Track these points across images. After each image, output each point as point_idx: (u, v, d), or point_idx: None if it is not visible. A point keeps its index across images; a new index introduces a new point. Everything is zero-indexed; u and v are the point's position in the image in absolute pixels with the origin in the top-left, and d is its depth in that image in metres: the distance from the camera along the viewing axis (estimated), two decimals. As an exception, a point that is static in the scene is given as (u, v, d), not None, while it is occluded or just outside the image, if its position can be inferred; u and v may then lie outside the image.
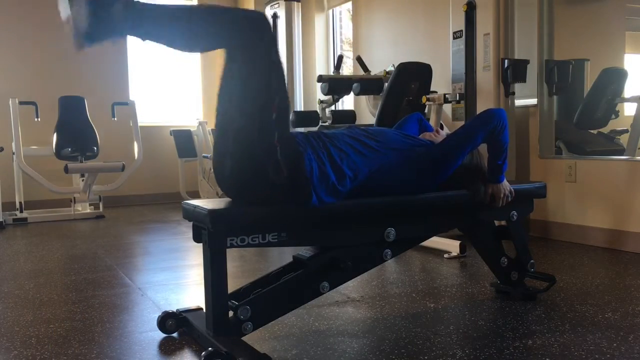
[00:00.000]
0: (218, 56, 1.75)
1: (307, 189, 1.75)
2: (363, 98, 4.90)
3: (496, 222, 2.49)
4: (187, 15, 1.69)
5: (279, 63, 1.72)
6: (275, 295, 1.82)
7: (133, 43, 6.61)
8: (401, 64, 3.93)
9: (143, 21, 1.58)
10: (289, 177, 1.72)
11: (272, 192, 1.74)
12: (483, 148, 2.15)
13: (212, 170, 1.87)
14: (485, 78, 3.59)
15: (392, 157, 1.95)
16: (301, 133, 1.93)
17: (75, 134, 5.54)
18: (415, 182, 2.02)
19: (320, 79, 4.49)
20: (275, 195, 1.75)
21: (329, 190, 1.80)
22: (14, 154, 5.29)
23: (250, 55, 1.66)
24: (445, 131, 2.39)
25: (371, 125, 4.01)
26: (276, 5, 5.72)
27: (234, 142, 1.72)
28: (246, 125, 1.69)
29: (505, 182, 2.17)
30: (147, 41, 1.62)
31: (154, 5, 1.61)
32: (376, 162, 1.91)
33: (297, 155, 1.74)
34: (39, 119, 5.56)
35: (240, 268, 3.09)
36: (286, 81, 1.75)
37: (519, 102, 3.79)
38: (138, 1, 1.58)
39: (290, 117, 4.83)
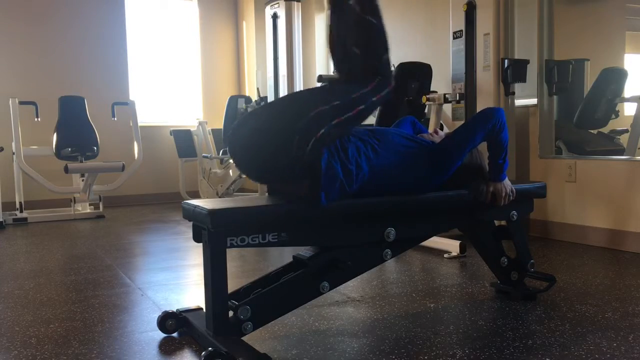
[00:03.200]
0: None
1: (317, 187, 1.74)
2: (363, 98, 4.89)
3: (496, 222, 2.49)
4: None
5: None
6: (275, 295, 1.82)
7: (133, 42, 6.61)
8: (401, 63, 3.93)
9: None
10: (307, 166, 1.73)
11: (289, 174, 1.76)
12: (483, 146, 2.15)
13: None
14: (485, 78, 3.59)
15: (393, 157, 1.95)
16: None
17: (75, 134, 5.54)
18: (415, 182, 2.01)
19: (320, 79, 4.48)
20: (291, 177, 1.77)
21: (338, 189, 1.80)
22: (14, 154, 5.29)
23: None
24: (444, 131, 2.39)
25: (371, 125, 4.01)
26: (276, 5, 5.72)
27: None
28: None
29: (506, 181, 2.16)
30: None
31: None
32: (376, 162, 1.91)
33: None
34: (39, 119, 5.56)
35: (240, 268, 3.09)
36: None
37: (519, 102, 3.79)
38: None
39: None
